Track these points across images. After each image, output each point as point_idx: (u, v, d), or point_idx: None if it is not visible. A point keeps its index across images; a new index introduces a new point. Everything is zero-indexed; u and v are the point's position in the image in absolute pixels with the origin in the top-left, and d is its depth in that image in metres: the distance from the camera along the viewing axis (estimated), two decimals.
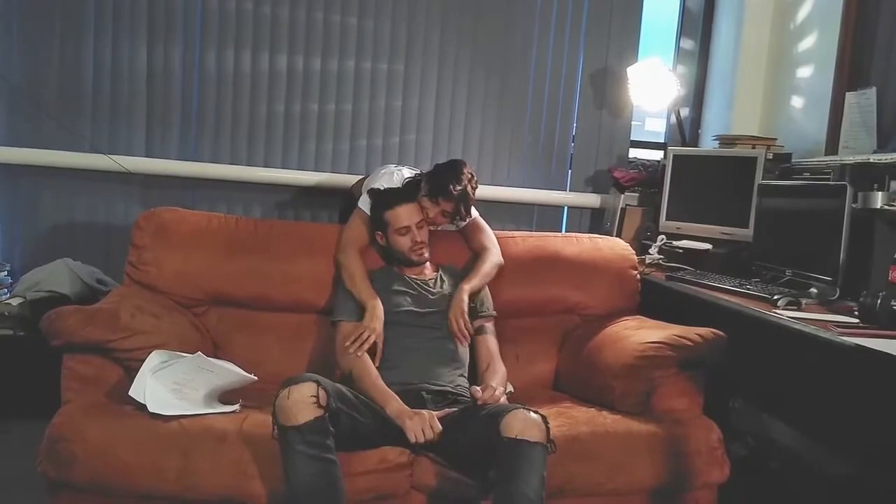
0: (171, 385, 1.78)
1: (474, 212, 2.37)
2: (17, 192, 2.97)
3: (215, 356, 2.04)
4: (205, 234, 2.28)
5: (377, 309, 2.07)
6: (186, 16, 2.95)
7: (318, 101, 3.07)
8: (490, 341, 2.17)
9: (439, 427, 1.77)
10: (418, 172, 2.32)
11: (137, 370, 1.79)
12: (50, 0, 2.87)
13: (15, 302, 2.67)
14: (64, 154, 2.92)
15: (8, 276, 2.89)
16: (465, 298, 2.12)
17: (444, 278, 2.25)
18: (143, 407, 1.74)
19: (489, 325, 2.21)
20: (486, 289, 2.27)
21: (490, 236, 2.36)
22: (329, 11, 3.04)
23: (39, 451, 1.69)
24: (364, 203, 2.26)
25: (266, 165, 3.07)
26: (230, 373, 1.87)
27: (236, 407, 1.84)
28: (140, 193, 2.99)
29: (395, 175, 2.30)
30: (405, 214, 2.17)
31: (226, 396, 1.89)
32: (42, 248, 2.92)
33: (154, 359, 1.79)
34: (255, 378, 1.89)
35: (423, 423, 1.76)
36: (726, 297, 2.14)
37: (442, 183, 2.19)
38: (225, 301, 2.28)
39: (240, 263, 2.27)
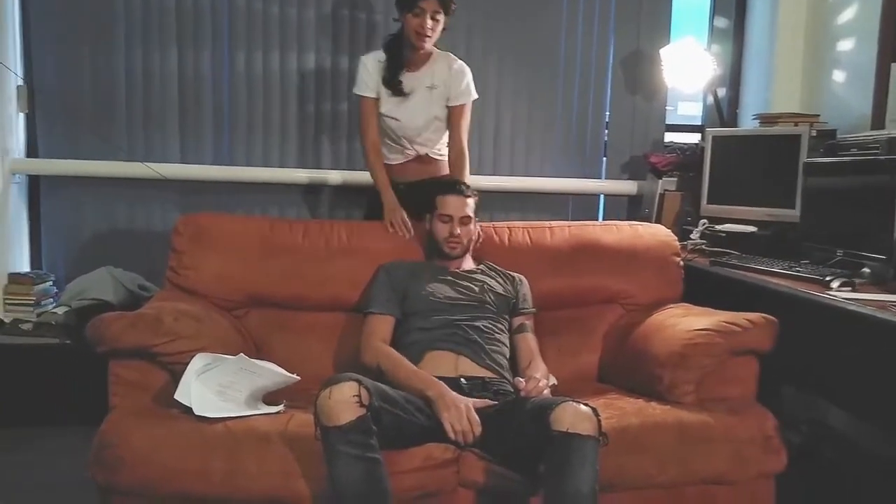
0: (216, 387, 1.78)
1: (473, 93, 2.50)
2: (59, 203, 3.03)
3: (257, 357, 2.04)
4: (241, 236, 2.29)
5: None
6: (215, 20, 2.97)
7: (347, 99, 3.06)
8: (530, 339, 2.15)
9: (476, 420, 1.74)
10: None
11: (182, 374, 1.80)
12: (81, 13, 2.92)
13: (61, 311, 2.72)
14: (101, 164, 2.97)
15: (53, 285, 2.95)
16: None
17: (486, 271, 2.22)
18: (188, 410, 1.75)
19: (529, 323, 2.19)
20: (526, 284, 2.24)
21: (467, 130, 2.52)
22: (355, 9, 3.03)
23: (89, 456, 1.71)
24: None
25: (299, 166, 3.08)
26: (273, 373, 1.87)
27: (280, 407, 1.84)
28: (177, 199, 3.03)
29: (367, 63, 2.47)
30: (452, 204, 2.19)
31: (269, 397, 1.89)
32: (85, 256, 2.98)
33: (198, 362, 1.80)
34: (298, 378, 1.89)
35: (460, 415, 1.74)
36: (775, 280, 2.08)
37: None
38: (264, 302, 2.29)
39: (277, 264, 2.28)
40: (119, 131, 2.98)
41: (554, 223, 2.50)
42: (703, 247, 2.61)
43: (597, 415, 1.61)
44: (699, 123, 3.42)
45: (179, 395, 1.76)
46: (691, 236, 2.67)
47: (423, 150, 2.52)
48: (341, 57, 3.05)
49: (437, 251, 2.22)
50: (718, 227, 2.65)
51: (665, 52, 3.01)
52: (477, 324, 2.06)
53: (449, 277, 2.16)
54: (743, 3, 3.27)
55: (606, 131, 3.25)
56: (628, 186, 3.22)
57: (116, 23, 2.93)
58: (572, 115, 3.20)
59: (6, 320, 2.74)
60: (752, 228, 2.58)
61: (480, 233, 2.30)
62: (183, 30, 2.96)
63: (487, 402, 1.85)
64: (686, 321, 2.06)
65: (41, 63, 2.94)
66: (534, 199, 3.19)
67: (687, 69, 2.98)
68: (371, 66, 2.46)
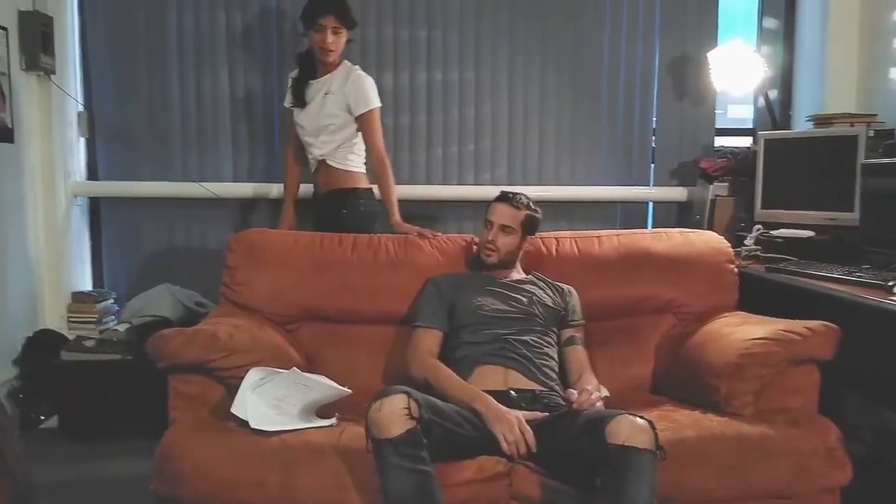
0: (271, 401, 1.82)
1: (374, 100, 2.59)
2: (118, 224, 3.14)
3: (309, 371, 2.07)
4: (292, 252, 2.34)
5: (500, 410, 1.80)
6: (263, 42, 3.05)
7: (392, 114, 3.10)
8: (580, 352, 2.12)
9: (529, 430, 1.73)
10: None
11: (237, 387, 1.84)
12: (136, 41, 3.03)
13: (122, 328, 2.81)
14: (158, 184, 3.07)
15: (114, 303, 3.06)
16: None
17: (535, 281, 2.21)
18: (245, 423, 1.78)
19: (579, 336, 2.16)
20: (576, 296, 2.22)
21: (380, 138, 2.61)
22: (398, 27, 3.07)
23: (150, 469, 1.76)
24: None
25: None
26: (325, 387, 1.90)
27: (333, 420, 1.87)
28: (230, 217, 3.10)
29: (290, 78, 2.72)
30: (497, 211, 2.19)
31: (322, 410, 1.91)
32: (144, 275, 3.08)
33: (252, 376, 1.84)
34: (350, 391, 1.91)
35: (512, 427, 1.72)
36: (835, 286, 2.01)
37: (311, 7, 2.52)
38: (315, 316, 2.32)
39: (327, 279, 2.31)
40: (174, 152, 3.08)
41: (602, 232, 2.47)
42: (758, 253, 2.54)
43: (653, 428, 1.58)
44: (750, 127, 3.35)
45: (236, 409, 1.80)
46: (745, 242, 2.60)
47: (319, 154, 2.64)
48: (385, 73, 3.08)
49: (477, 259, 2.23)
50: (774, 233, 2.58)
51: (713, 56, 2.96)
52: (525, 338, 2.05)
53: (497, 289, 2.15)
54: (792, 2, 3.19)
55: (654, 137, 3.20)
56: (678, 193, 3.16)
57: (169, 48, 3.04)
58: (618, 121, 3.17)
59: (70, 337, 2.85)
60: (809, 233, 2.50)
61: (525, 248, 2.26)
62: (233, 52, 3.05)
63: (538, 414, 1.84)
64: (742, 330, 2.00)
65: (100, 90, 3.07)
66: (581, 209, 3.16)
67: (736, 72, 2.92)
68: (290, 80, 2.71)
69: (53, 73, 2.87)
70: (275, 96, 3.07)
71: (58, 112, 2.93)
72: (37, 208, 2.89)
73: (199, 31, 3.00)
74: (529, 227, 2.21)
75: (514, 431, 1.72)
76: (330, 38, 2.51)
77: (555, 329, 2.14)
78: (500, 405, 1.79)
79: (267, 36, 3.06)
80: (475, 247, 2.30)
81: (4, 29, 2.64)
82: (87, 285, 3.14)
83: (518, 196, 2.22)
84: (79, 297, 2.98)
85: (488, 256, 2.18)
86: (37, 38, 2.75)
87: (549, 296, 2.18)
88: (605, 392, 1.97)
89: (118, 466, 2.47)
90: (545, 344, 2.08)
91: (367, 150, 2.65)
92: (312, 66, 2.63)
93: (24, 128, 2.78)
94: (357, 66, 2.64)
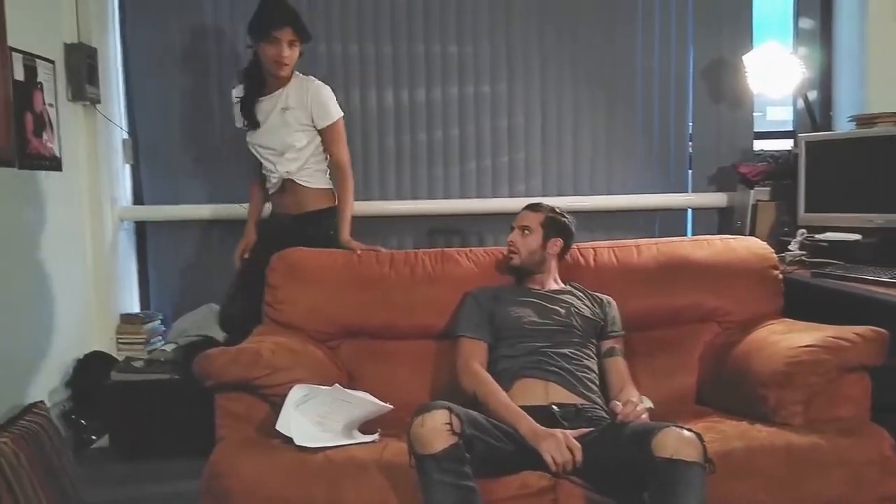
0: (315, 418, 1.84)
1: (337, 111, 2.52)
2: (163, 247, 3.22)
3: (350, 387, 2.09)
4: (331, 270, 2.37)
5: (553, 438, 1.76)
6: (301, 64, 3.10)
7: (425, 129, 3.13)
8: (621, 363, 2.09)
9: (577, 446, 1.71)
10: None
11: (281, 405, 1.86)
12: (177, 69, 3.12)
13: (169, 348, 2.88)
14: (200, 207, 3.14)
15: (161, 324, 3.13)
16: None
17: (573, 291, 2.20)
18: (289, 440, 1.81)
19: (619, 347, 2.13)
20: (615, 306, 2.20)
21: (344, 147, 2.55)
22: (429, 43, 3.11)
23: (200, 486, 1.80)
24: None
25: (381, 198, 3.15)
26: (367, 402, 1.91)
27: (376, 436, 1.88)
28: None
29: (233, 98, 2.61)
30: (519, 216, 2.26)
31: (365, 426, 1.93)
32: (189, 295, 3.15)
33: (296, 393, 1.86)
34: (391, 406, 1.92)
35: (559, 445, 1.71)
36: (884, 290, 1.96)
37: (265, 19, 2.42)
38: (355, 332, 2.34)
39: (366, 295, 2.34)
40: (216, 176, 3.15)
41: (640, 241, 2.45)
42: (804, 258, 2.49)
43: (701, 440, 1.55)
44: (790, 129, 3.28)
45: (280, 426, 1.83)
46: (790, 247, 2.55)
47: (285, 172, 2.52)
48: (418, 89, 3.12)
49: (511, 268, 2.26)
50: (819, 237, 2.52)
51: (749, 59, 2.91)
52: (564, 350, 2.04)
53: (533, 299, 2.15)
54: (829, 2, 3.13)
55: (690, 143, 3.17)
56: (717, 199, 3.12)
57: (210, 75, 3.12)
58: (653, 128, 3.14)
59: (120, 358, 2.92)
60: (855, 236, 2.44)
61: (552, 251, 2.24)
62: None
63: (583, 431, 1.81)
64: (789, 338, 1.96)
65: (143, 117, 3.16)
66: (618, 219, 3.14)
67: (773, 74, 2.87)
68: (237, 96, 2.58)
69: (98, 102, 2.97)
70: None
71: (103, 140, 3.03)
72: (85, 234, 2.98)
73: (237, 57, 3.07)
74: (552, 227, 2.21)
75: (563, 451, 1.70)
76: (286, 51, 2.40)
77: (594, 340, 2.13)
78: (541, 427, 1.77)
79: (304, 57, 3.11)
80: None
81: (51, 61, 2.74)
82: (134, 307, 3.22)
83: (540, 203, 2.29)
84: (127, 318, 3.07)
85: (510, 259, 2.22)
86: (82, 69, 2.85)
87: (587, 307, 2.17)
88: (648, 403, 1.95)
89: (168, 485, 2.52)
90: (584, 356, 2.06)
91: (332, 164, 2.56)
92: (259, 81, 2.50)
93: (71, 156, 2.88)
94: (310, 77, 2.54)
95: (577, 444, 1.71)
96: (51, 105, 2.73)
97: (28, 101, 2.58)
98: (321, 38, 3.08)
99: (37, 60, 2.64)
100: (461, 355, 2.07)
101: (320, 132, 2.52)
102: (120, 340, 3.04)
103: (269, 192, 2.63)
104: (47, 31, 2.77)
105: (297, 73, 2.53)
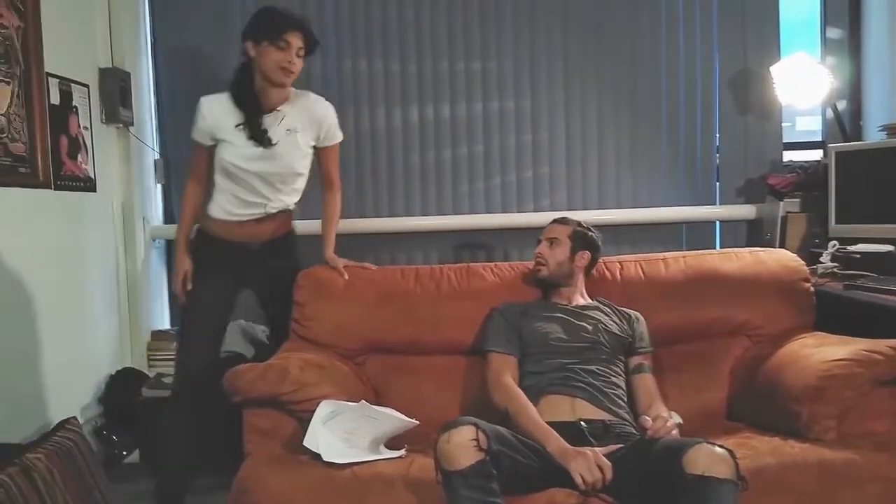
0: (342, 434, 1.85)
1: (339, 129, 2.36)
2: None
3: (377, 403, 2.10)
4: (357, 286, 2.38)
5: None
6: (325, 83, 3.16)
7: (450, 145, 3.15)
8: (649, 380, 2.07)
9: (608, 464, 1.69)
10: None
11: (308, 421, 1.87)
12: (205, 89, 3.16)
13: None
14: None
15: None
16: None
17: (600, 307, 2.19)
18: (317, 456, 1.82)
19: (647, 363, 2.11)
20: (643, 322, 2.18)
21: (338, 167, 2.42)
22: (453, 60, 3.13)
23: (228, 502, 1.81)
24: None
25: (406, 214, 3.17)
26: (393, 418, 1.92)
27: (402, 452, 1.88)
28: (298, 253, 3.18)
29: (208, 107, 2.26)
30: (546, 229, 2.29)
31: (391, 442, 1.93)
32: None
33: (323, 409, 1.87)
34: (417, 422, 1.92)
35: (589, 464, 1.69)
36: None
37: (278, 20, 2.14)
38: (381, 348, 2.35)
39: (391, 311, 2.35)
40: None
41: (668, 255, 2.43)
42: (835, 270, 2.44)
43: (733, 456, 1.53)
44: (820, 139, 3.24)
45: (308, 442, 1.84)
46: (821, 259, 2.50)
47: (285, 203, 2.30)
48: (442, 105, 3.15)
49: (539, 282, 2.26)
50: (851, 249, 2.47)
51: (776, 70, 2.89)
52: (591, 367, 2.02)
53: (560, 315, 2.13)
54: (857, 11, 3.09)
55: (717, 155, 3.14)
56: (746, 211, 3.08)
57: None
58: (679, 140, 3.12)
59: (151, 375, 2.97)
60: (888, 247, 2.39)
61: (580, 263, 2.25)
62: None
63: (612, 447, 1.79)
64: (821, 351, 1.93)
65: (174, 137, 3.23)
66: (645, 231, 3.11)
67: (801, 85, 2.84)
68: (216, 109, 2.21)
69: (132, 124, 3.05)
70: None
71: (136, 161, 3.10)
72: (118, 252, 3.05)
73: None
74: (580, 240, 2.21)
75: (594, 470, 1.67)
76: (295, 59, 2.14)
77: (622, 357, 2.11)
78: (570, 446, 1.75)
79: (327, 78, 3.16)
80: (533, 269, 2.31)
81: (86, 85, 2.82)
82: (165, 324, 3.27)
83: (567, 216, 2.32)
84: (158, 335, 3.12)
85: (538, 270, 2.23)
86: (115, 92, 2.93)
87: (615, 322, 2.15)
88: (678, 419, 1.92)
89: (196, 500, 2.54)
90: (612, 373, 2.04)
91: (325, 177, 2.39)
92: (253, 93, 2.19)
93: (105, 177, 2.95)
94: (307, 92, 2.33)
95: (607, 463, 1.69)
96: (86, 128, 2.81)
97: (63, 125, 2.66)
98: (348, 55, 3.12)
99: (72, 85, 2.72)
100: (491, 370, 2.07)
101: (321, 150, 2.34)
102: (151, 357, 3.08)
103: (239, 221, 2.27)
104: (82, 57, 2.85)
105: (292, 87, 2.27)
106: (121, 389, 2.90)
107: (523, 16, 3.11)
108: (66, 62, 2.69)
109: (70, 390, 2.70)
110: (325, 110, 2.31)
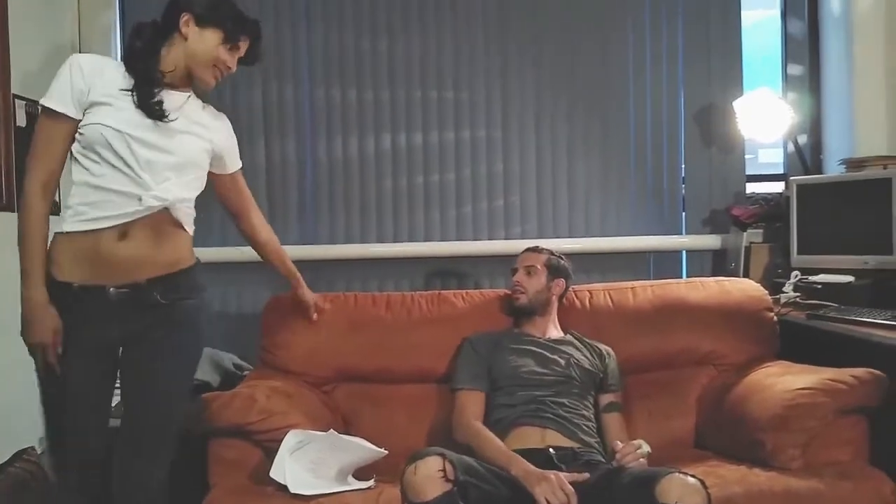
0: (308, 465, 1.82)
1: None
2: None
3: (346, 432, 2.08)
4: (327, 313, 2.37)
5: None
6: (297, 111, 3.16)
7: (422, 173, 3.16)
8: (620, 420, 2.10)
9: (571, 489, 1.69)
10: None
11: (275, 450, 1.84)
12: None
13: None
14: (198, 250, 3.13)
15: None
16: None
17: (573, 341, 2.20)
18: (283, 487, 1.79)
19: (618, 401, 2.14)
20: (614, 358, 2.20)
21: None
22: (426, 89, 3.16)
23: None
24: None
25: (378, 241, 3.17)
26: (362, 448, 1.90)
27: (371, 483, 1.86)
28: (267, 280, 3.15)
29: (90, 64, 1.71)
30: (521, 257, 2.30)
31: (360, 472, 1.91)
32: None
33: (290, 439, 1.85)
34: (386, 452, 1.91)
35: (553, 487, 1.68)
36: (880, 332, 1.96)
37: (242, 17, 1.77)
38: (351, 377, 2.34)
39: (361, 338, 2.34)
40: (213, 220, 3.16)
41: (636, 283, 2.47)
42: (798, 300, 2.49)
43: (705, 487, 1.55)
44: (781, 172, 3.33)
45: (274, 473, 1.81)
46: (784, 289, 2.56)
47: (168, 198, 1.71)
48: (415, 133, 3.16)
49: (515, 313, 2.25)
50: (812, 279, 2.53)
51: (739, 104, 2.97)
52: (562, 400, 2.03)
53: (534, 348, 2.14)
54: (816, 49, 3.21)
55: (683, 186, 3.20)
56: (711, 241, 3.14)
57: None
58: (647, 171, 3.18)
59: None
60: (848, 278, 2.45)
61: (555, 291, 2.26)
62: (269, 123, 3.15)
63: (579, 476, 1.78)
64: (786, 380, 1.96)
65: None
66: (613, 260, 3.15)
67: (763, 119, 2.92)
68: (96, 63, 1.69)
69: None
70: (308, 161, 3.15)
71: None
72: None
73: (236, 104, 3.11)
74: (554, 268, 2.25)
75: (558, 493, 1.68)
76: (234, 66, 1.80)
77: (592, 393, 2.12)
78: (534, 469, 1.76)
79: (299, 106, 3.16)
80: (511, 296, 2.32)
81: None
82: None
83: (539, 246, 2.34)
84: None
85: (517, 298, 2.23)
86: None
87: (587, 357, 2.16)
88: (647, 448, 1.94)
89: None
90: (583, 407, 2.06)
91: (245, 209, 2.12)
92: (156, 65, 1.71)
93: None
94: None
95: (571, 489, 1.69)
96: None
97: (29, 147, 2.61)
98: (321, 83, 3.13)
99: (39, 107, 2.67)
100: (456, 409, 2.08)
101: (228, 178, 2.01)
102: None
103: (99, 233, 1.65)
104: (49, 78, 2.80)
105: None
106: None
107: (495, 47, 3.16)
108: (34, 84, 2.66)
109: (27, 419, 2.61)
110: (229, 127, 1.96)
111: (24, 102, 2.60)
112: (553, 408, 2.00)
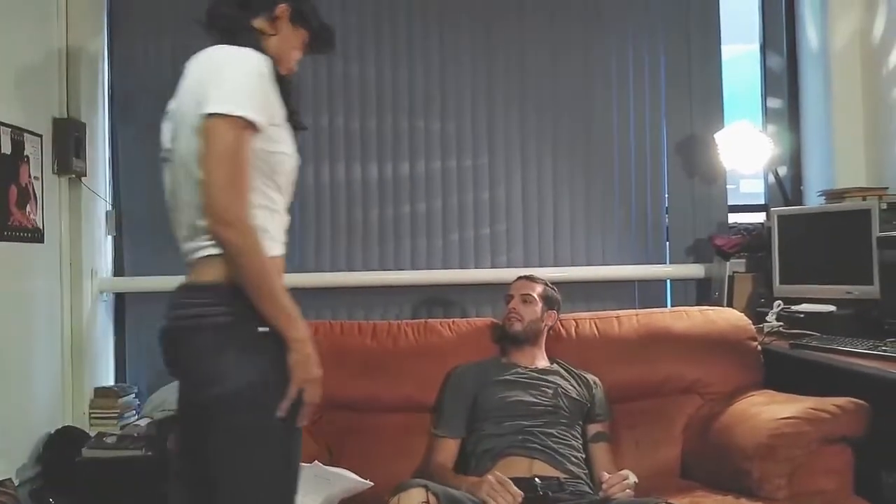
0: None
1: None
2: (142, 318, 3.18)
3: (330, 462, 2.05)
4: (312, 341, 2.35)
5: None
6: None
7: (409, 201, 3.18)
8: (608, 450, 2.10)
9: (507, 479, 1.74)
10: None
11: None
12: (151, 136, 3.15)
13: (143, 423, 2.80)
14: (182, 278, 3.12)
15: (136, 398, 3.06)
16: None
17: (560, 371, 2.20)
18: None
19: (605, 432, 2.14)
20: (601, 388, 2.21)
21: None
22: (413, 118, 3.19)
23: None
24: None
25: (365, 269, 3.17)
26: (346, 479, 1.88)
27: None
28: None
29: (267, 69, 1.38)
30: (515, 285, 2.30)
31: (345, 502, 1.88)
32: (165, 368, 3.08)
33: None
34: (371, 483, 1.88)
35: (493, 486, 1.73)
36: (861, 361, 1.97)
37: (331, 33, 1.60)
38: (336, 406, 2.31)
39: (347, 367, 2.32)
40: None
41: (621, 312, 2.48)
42: (781, 329, 2.52)
43: None
44: (763, 202, 3.38)
45: None
46: (767, 319, 2.58)
47: None
48: (402, 163, 3.18)
49: (505, 337, 2.24)
50: (795, 308, 2.56)
51: (720, 137, 3.03)
52: (550, 430, 2.03)
53: (522, 379, 2.14)
54: (795, 83, 3.28)
55: (667, 216, 3.24)
56: (695, 270, 3.17)
57: None
58: (631, 201, 3.22)
59: (92, 434, 2.84)
60: (830, 307, 2.48)
61: (548, 322, 2.27)
62: None
63: None
64: (770, 409, 1.97)
65: (128, 188, 3.18)
66: (598, 289, 3.16)
67: (744, 151, 2.98)
68: (270, 75, 1.40)
69: (84, 175, 2.99)
70: (295, 191, 3.15)
71: (87, 212, 3.03)
72: (63, 306, 2.94)
73: None
74: (549, 300, 2.25)
75: (497, 487, 1.73)
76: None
77: (580, 422, 2.12)
78: (477, 479, 1.82)
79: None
80: (505, 322, 2.31)
81: (38, 136, 2.78)
82: (109, 380, 3.15)
83: (534, 275, 2.35)
84: (101, 392, 2.99)
85: (512, 324, 2.22)
86: (70, 143, 2.88)
87: (574, 387, 2.16)
88: (633, 478, 1.93)
89: None
90: (571, 437, 2.06)
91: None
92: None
93: (53, 229, 2.87)
94: None
95: (507, 479, 1.75)
96: (36, 178, 2.75)
97: (14, 174, 2.60)
98: (309, 111, 3.15)
99: (25, 134, 2.67)
100: (431, 453, 2.13)
101: None
102: (93, 415, 2.95)
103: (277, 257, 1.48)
104: (36, 106, 2.81)
105: None
106: (60, 449, 2.76)
107: (482, 78, 3.20)
108: (20, 112, 2.65)
109: (5, 450, 2.56)
110: None
111: (10, 130, 2.59)
112: (542, 438, 2.00)
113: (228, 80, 1.32)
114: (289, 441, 1.37)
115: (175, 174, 1.45)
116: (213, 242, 1.35)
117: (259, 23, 1.47)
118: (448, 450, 2.11)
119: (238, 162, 1.31)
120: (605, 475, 1.77)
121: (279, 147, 1.41)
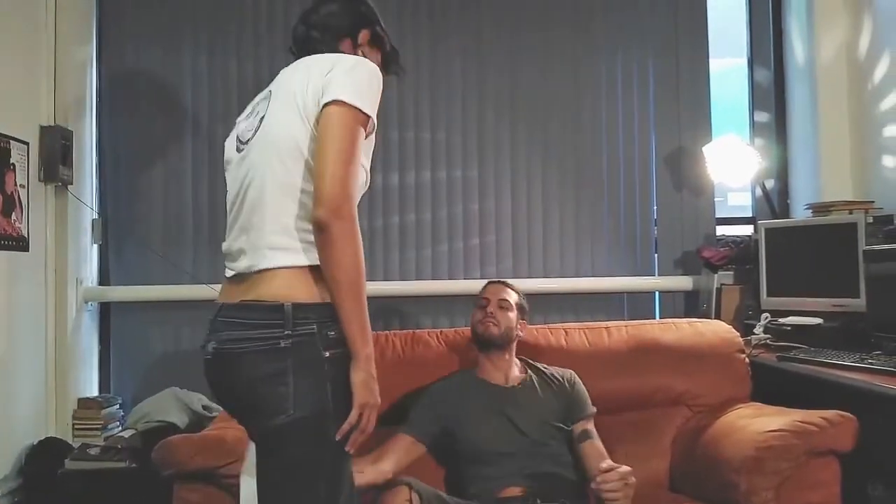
0: None
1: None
2: (127, 327, 3.16)
3: None
4: None
5: None
6: None
7: (398, 212, 3.18)
8: (598, 445, 2.06)
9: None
10: None
11: (239, 495, 1.79)
12: (151, 149, 3.15)
13: (127, 434, 2.77)
14: (168, 288, 3.10)
15: (120, 408, 3.03)
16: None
17: (534, 378, 2.18)
18: None
19: (591, 428, 2.11)
20: (579, 382, 2.18)
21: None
22: (403, 130, 3.20)
23: None
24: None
25: None
26: None
27: None
28: None
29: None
30: (493, 289, 2.25)
31: None
32: (151, 378, 3.06)
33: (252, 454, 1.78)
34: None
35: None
36: (848, 374, 1.99)
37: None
38: None
39: None
40: (186, 256, 3.13)
41: (611, 323, 2.48)
42: (769, 341, 2.53)
43: None
44: (750, 215, 3.40)
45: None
46: (755, 331, 2.59)
47: None
48: (391, 173, 3.19)
49: (478, 344, 2.19)
50: (782, 321, 2.57)
51: (708, 150, 3.05)
52: (540, 458, 2.02)
53: (506, 415, 2.07)
54: (782, 97, 3.32)
55: (655, 228, 3.25)
56: (683, 282, 3.18)
57: (183, 156, 3.15)
58: (620, 213, 3.23)
59: (75, 445, 2.80)
60: (817, 320, 2.49)
61: (520, 332, 2.25)
62: None
63: None
64: (758, 422, 1.97)
65: (115, 196, 3.16)
66: (587, 300, 3.17)
67: (732, 164, 3.00)
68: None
69: (70, 183, 2.97)
70: None
71: (73, 220, 3.00)
72: (48, 315, 2.91)
73: (213, 140, 3.12)
74: (522, 310, 2.24)
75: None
76: None
77: (566, 425, 2.10)
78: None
79: None
80: (478, 326, 2.21)
81: (25, 143, 2.76)
82: (93, 390, 3.11)
83: (509, 282, 2.31)
84: (85, 402, 2.95)
85: (488, 328, 2.14)
86: (56, 151, 2.86)
87: (552, 398, 2.13)
88: (632, 479, 1.91)
89: None
90: (562, 453, 2.05)
91: None
92: None
93: (39, 237, 2.84)
94: None
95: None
96: (22, 186, 2.73)
97: None
98: None
99: (11, 142, 2.65)
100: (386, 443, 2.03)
101: None
102: (76, 426, 2.91)
103: None
104: (24, 114, 2.79)
105: None
106: (43, 460, 2.72)
107: (472, 89, 3.22)
108: (6, 119, 2.63)
109: None
110: None
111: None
112: (534, 468, 1.98)
113: (360, 79, 1.36)
114: (345, 467, 1.30)
115: (252, 172, 1.39)
116: (284, 251, 1.31)
117: (345, 47, 1.51)
118: (404, 448, 2.04)
119: (356, 156, 1.31)
120: (606, 464, 1.75)
121: (364, 161, 1.40)
